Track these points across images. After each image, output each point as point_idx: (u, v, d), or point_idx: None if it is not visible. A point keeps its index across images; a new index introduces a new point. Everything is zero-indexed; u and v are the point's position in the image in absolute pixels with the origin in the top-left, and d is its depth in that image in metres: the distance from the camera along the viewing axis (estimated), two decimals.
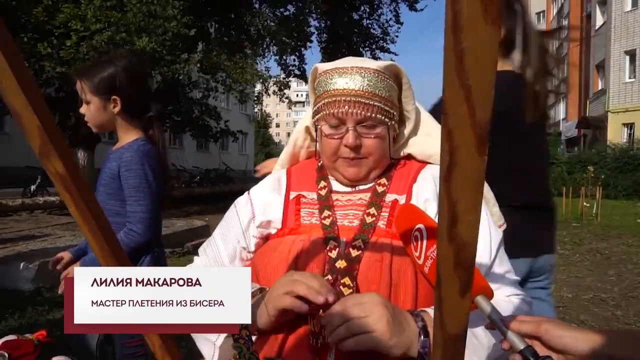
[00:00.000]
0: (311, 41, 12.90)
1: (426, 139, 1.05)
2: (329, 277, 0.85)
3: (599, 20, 24.36)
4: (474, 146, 0.37)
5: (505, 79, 1.61)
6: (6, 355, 0.84)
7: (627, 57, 21.82)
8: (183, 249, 6.06)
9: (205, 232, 6.93)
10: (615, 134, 21.37)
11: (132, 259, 1.62)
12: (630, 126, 21.51)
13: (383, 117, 0.95)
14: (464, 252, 0.42)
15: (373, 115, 0.94)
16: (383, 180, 1.00)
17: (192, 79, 10.72)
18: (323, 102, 0.97)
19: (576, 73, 29.24)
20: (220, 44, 11.08)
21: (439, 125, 1.08)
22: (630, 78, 21.80)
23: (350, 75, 0.95)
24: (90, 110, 1.68)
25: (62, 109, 8.71)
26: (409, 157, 1.07)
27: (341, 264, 0.86)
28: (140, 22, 8.02)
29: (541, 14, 41.47)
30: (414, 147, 1.05)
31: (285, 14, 12.54)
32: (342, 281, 0.84)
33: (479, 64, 0.35)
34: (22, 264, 4.21)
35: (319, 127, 0.99)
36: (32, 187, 11.06)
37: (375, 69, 0.96)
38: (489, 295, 0.69)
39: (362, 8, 13.29)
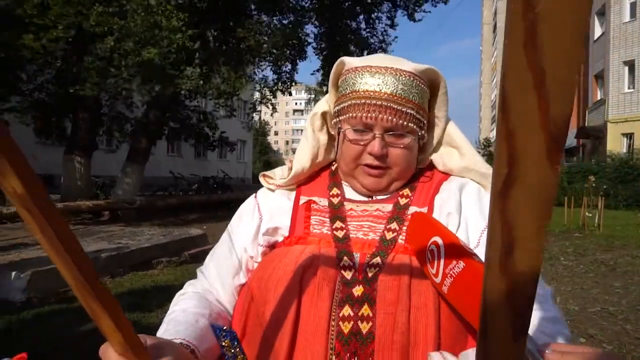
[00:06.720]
0: (305, 53, 12.83)
1: (449, 150, 0.95)
2: (348, 308, 0.77)
3: (598, 30, 24.46)
4: (543, 153, 0.28)
5: None
6: None
7: (626, 68, 21.86)
8: (180, 257, 5.95)
9: (202, 241, 6.81)
10: (615, 144, 21.34)
11: None
12: (629, 136, 21.49)
13: (414, 126, 0.87)
14: (521, 287, 0.33)
15: (404, 123, 0.86)
16: (406, 191, 0.91)
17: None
18: (350, 102, 0.88)
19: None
20: (220, 53, 10.95)
21: (465, 139, 0.99)
22: (629, 88, 21.82)
23: (384, 76, 0.86)
24: None
25: (57, 115, 8.53)
26: (434, 165, 0.98)
27: (359, 290, 0.78)
28: (145, 32, 7.80)
29: None
30: (434, 155, 0.97)
31: (283, 22, 12.50)
32: (360, 313, 0.76)
33: (558, 37, 0.26)
34: (13, 274, 4.10)
35: (342, 130, 0.89)
36: None
37: (412, 72, 0.87)
38: None
39: (362, 17, 13.23)
